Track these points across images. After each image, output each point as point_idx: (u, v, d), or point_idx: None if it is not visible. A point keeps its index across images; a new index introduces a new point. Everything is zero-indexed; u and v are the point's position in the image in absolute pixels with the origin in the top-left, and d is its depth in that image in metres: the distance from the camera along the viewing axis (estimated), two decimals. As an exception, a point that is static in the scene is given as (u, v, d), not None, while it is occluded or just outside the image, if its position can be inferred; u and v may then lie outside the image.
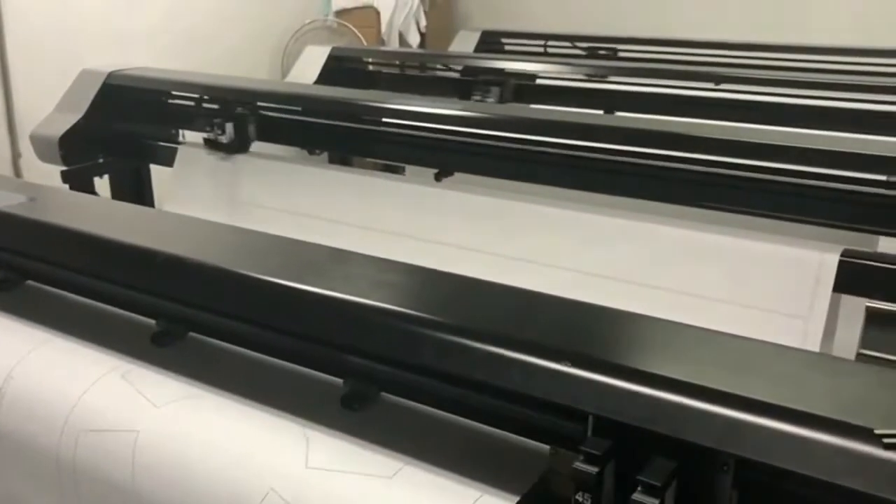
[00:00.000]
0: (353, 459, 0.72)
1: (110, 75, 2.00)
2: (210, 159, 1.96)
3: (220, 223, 0.94)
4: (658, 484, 0.57)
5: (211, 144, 1.90)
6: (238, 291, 0.80)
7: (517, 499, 0.67)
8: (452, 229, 1.57)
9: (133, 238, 0.86)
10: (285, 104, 1.97)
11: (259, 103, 1.94)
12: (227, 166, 1.94)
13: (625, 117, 1.64)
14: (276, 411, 0.79)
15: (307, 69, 2.67)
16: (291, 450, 0.74)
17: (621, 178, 1.55)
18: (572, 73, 2.69)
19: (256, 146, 2.06)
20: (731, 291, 1.22)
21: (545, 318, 0.73)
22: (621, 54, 3.12)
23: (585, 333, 0.70)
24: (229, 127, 1.89)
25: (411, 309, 0.73)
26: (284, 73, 3.35)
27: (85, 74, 2.04)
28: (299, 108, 1.98)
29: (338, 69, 2.67)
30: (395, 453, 0.73)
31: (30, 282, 1.04)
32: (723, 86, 2.41)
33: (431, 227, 1.58)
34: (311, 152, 2.19)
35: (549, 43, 3.31)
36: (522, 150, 1.62)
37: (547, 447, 0.71)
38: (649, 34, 3.25)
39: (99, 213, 1.01)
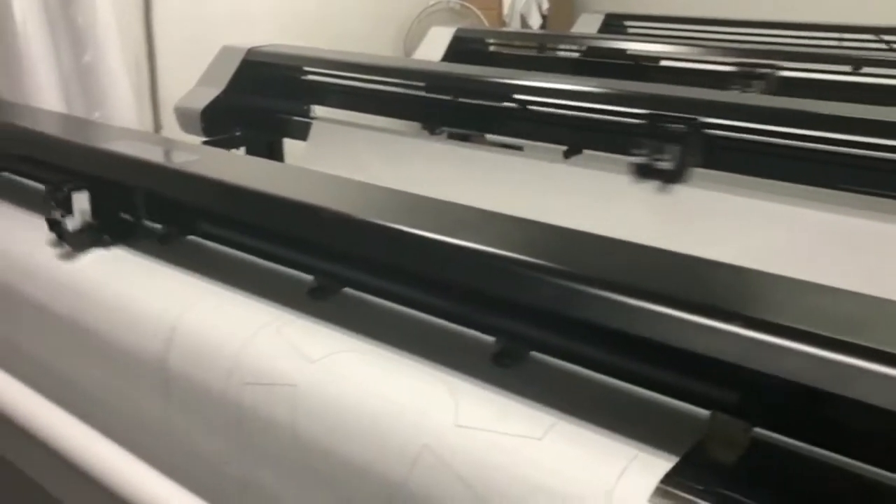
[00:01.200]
0: (504, 417, 0.74)
1: (249, 51, 2.07)
2: (343, 134, 2.02)
3: (375, 185, 0.97)
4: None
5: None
6: (396, 247, 0.82)
7: (675, 460, 0.67)
8: (583, 206, 1.57)
9: (296, 195, 0.90)
10: (410, 80, 2.01)
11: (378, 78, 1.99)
12: (358, 140, 1.99)
13: (763, 97, 1.60)
14: (427, 367, 0.81)
15: (432, 49, 2.70)
16: (442, 407, 0.76)
17: (758, 159, 1.51)
18: (699, 55, 2.62)
19: (384, 122, 2.11)
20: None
21: (703, 278, 0.73)
22: (750, 38, 3.02)
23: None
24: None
25: (567, 266, 0.73)
26: (407, 54, 3.40)
27: (225, 51, 2.12)
28: (423, 84, 2.00)
29: (462, 50, 2.69)
30: (546, 409, 0.73)
31: (190, 237, 1.11)
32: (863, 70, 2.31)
33: (561, 204, 1.58)
34: (431, 131, 2.22)
35: (675, 26, 3.24)
36: (659, 127, 1.60)
37: (702, 411, 0.71)
38: (778, 18, 3.13)
39: (263, 171, 1.06)
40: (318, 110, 2.20)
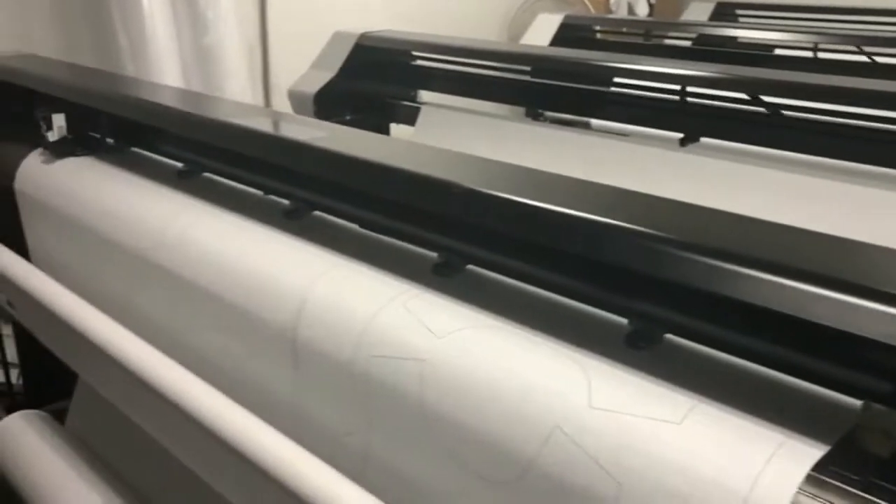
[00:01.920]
0: (640, 399, 0.72)
1: (362, 36, 2.10)
2: (450, 119, 2.03)
3: (501, 161, 0.97)
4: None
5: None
6: (527, 223, 0.82)
7: (825, 449, 0.64)
8: (701, 197, 1.52)
9: (425, 169, 0.91)
10: (519, 64, 1.99)
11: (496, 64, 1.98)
12: (464, 125, 1.99)
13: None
14: (557, 347, 0.80)
15: (539, 36, 2.68)
16: (575, 387, 0.74)
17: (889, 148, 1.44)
18: (818, 42, 2.52)
19: (487, 107, 2.10)
20: None
21: (859, 259, 0.69)
22: (875, 27, 2.88)
23: None
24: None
25: (710, 243, 0.71)
26: (511, 40, 3.38)
27: (338, 36, 2.16)
28: (528, 69, 1.99)
29: (570, 37, 2.66)
30: (685, 393, 0.72)
31: (316, 212, 1.13)
32: None
33: (680, 190, 1.54)
34: (535, 116, 2.20)
35: (790, 15, 3.12)
36: (781, 115, 1.55)
37: (851, 400, 0.68)
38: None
39: (390, 147, 1.07)
40: (424, 95, 2.22)
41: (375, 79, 2.14)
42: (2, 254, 1.38)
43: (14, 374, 2.07)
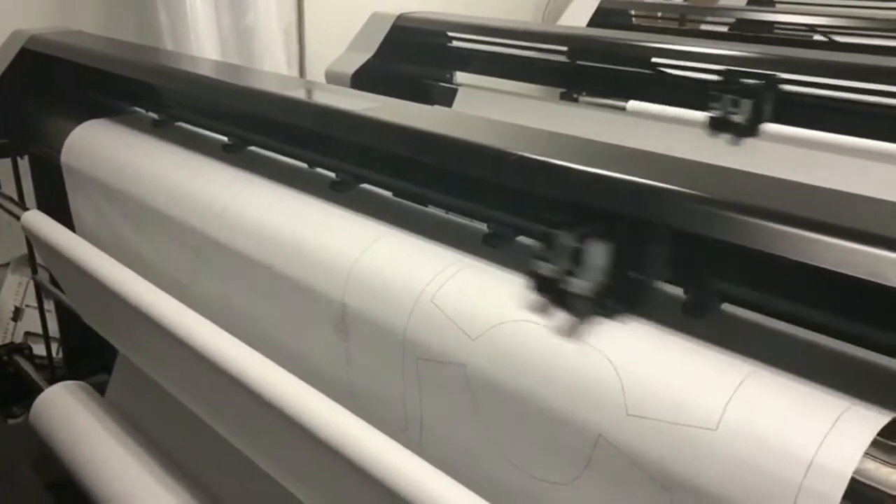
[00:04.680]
0: (676, 403, 0.69)
1: (399, 17, 2.10)
2: (487, 100, 2.02)
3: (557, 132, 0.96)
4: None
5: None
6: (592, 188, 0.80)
7: (892, 415, 0.63)
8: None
9: (479, 138, 0.90)
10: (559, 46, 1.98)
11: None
12: (502, 107, 1.98)
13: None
14: (590, 342, 0.75)
15: (574, 21, 2.67)
16: (612, 394, 0.72)
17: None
18: (858, 28, 2.48)
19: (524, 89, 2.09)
20: None
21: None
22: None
23: None
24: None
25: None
26: (544, 26, 3.35)
27: (375, 17, 2.16)
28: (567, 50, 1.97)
29: (606, 22, 2.64)
30: (740, 360, 0.70)
31: (364, 185, 1.13)
32: None
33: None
34: (571, 99, 2.17)
35: (830, 1, 3.07)
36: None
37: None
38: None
39: (443, 119, 1.07)
40: (460, 77, 2.21)
41: (412, 60, 2.14)
42: (48, 227, 1.39)
43: (54, 349, 2.10)
